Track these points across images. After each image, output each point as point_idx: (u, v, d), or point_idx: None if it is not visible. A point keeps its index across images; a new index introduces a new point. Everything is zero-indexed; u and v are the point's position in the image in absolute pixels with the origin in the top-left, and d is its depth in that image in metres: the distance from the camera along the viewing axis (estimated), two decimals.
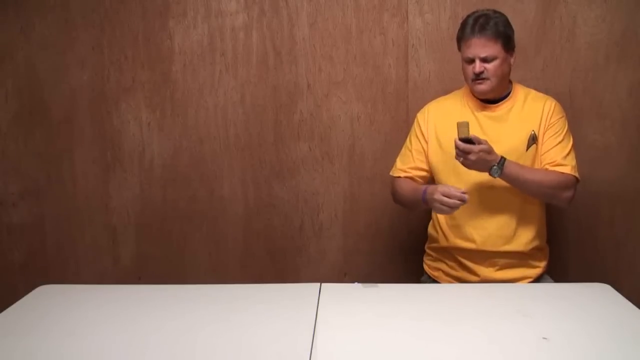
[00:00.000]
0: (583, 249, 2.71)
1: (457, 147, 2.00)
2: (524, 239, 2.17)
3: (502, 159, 2.03)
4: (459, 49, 2.17)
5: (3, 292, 2.45)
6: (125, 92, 2.76)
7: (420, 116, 2.29)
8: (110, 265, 2.85)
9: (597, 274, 2.56)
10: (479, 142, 2.00)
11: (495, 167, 2.02)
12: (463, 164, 2.03)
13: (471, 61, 2.10)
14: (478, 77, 2.10)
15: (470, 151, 1.99)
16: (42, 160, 2.81)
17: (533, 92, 2.24)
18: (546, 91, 2.31)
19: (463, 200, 1.99)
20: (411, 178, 2.26)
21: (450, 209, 2.00)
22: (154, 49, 2.73)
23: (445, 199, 1.99)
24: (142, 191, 2.81)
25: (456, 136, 2.01)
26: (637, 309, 1.76)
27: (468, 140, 1.99)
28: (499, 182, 2.11)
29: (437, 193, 2.01)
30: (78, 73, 2.75)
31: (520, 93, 2.21)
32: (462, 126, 2.00)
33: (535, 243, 2.19)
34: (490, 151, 2.01)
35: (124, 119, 2.77)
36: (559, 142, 2.14)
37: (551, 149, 2.13)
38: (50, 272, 2.83)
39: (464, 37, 2.11)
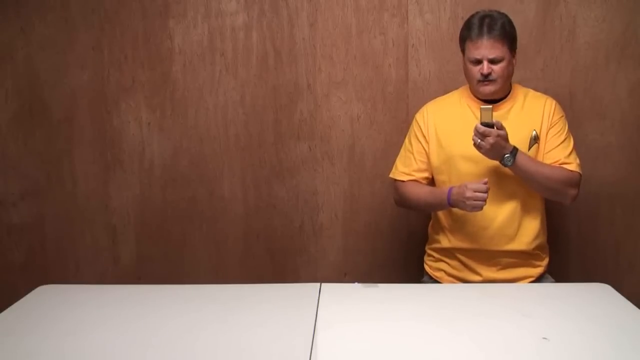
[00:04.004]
0: (583, 249, 2.71)
1: (476, 130, 2.01)
2: (527, 237, 2.17)
3: (515, 149, 2.04)
4: (462, 49, 2.15)
5: (3, 292, 2.45)
6: (125, 92, 2.76)
7: (419, 117, 2.28)
8: (110, 266, 2.85)
9: (597, 274, 2.56)
10: (500, 128, 2.01)
11: (508, 155, 2.03)
12: (479, 146, 2.02)
13: (478, 62, 2.09)
14: (486, 78, 2.09)
15: (489, 134, 1.99)
16: (42, 160, 2.81)
17: (532, 91, 2.25)
18: (546, 91, 2.31)
19: (488, 190, 2.02)
20: (415, 181, 2.25)
21: (483, 202, 2.02)
22: (154, 49, 2.73)
23: (478, 194, 2.01)
24: (142, 191, 2.81)
25: (477, 122, 2.02)
26: (637, 309, 1.76)
27: (489, 126, 2.01)
28: (501, 180, 2.11)
29: (469, 191, 2.01)
30: (78, 73, 2.75)
31: (519, 93, 2.21)
32: (486, 111, 2.02)
33: (538, 241, 2.19)
34: (506, 139, 2.03)
35: (124, 119, 2.77)
36: (562, 141, 2.14)
37: (554, 148, 2.14)
38: (50, 272, 2.83)
39: (470, 38, 2.09)
